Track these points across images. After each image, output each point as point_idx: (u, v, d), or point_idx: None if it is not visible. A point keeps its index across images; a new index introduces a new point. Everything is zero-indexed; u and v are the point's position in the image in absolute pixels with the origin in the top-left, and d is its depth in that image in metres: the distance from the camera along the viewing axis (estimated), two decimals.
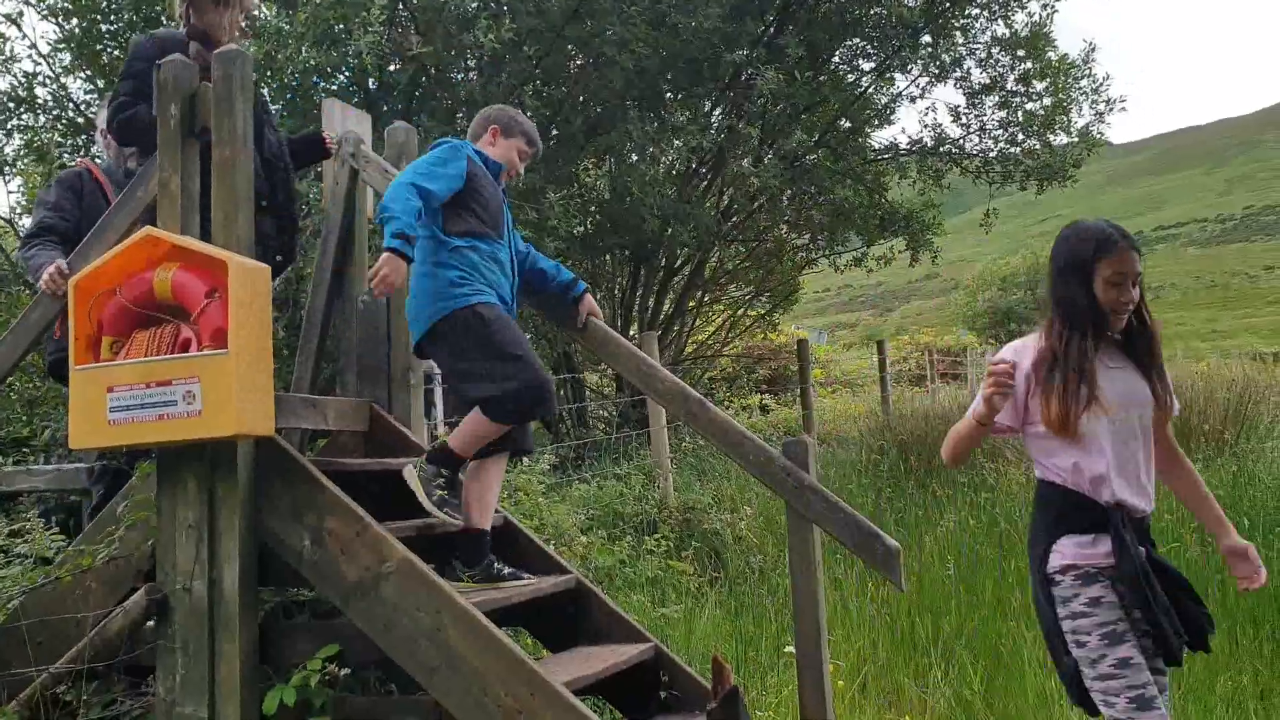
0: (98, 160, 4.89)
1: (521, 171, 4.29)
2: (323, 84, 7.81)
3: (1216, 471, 7.42)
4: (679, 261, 11.84)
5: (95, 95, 9.40)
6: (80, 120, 9.09)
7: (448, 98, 7.97)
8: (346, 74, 7.71)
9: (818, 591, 4.01)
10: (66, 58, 9.23)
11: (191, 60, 3.98)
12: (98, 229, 4.01)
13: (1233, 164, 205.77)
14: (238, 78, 3.70)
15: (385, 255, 3.52)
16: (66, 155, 8.69)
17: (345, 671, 3.51)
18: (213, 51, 3.90)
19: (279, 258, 4.44)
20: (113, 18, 9.03)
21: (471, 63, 8.41)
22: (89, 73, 9.25)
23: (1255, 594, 5.69)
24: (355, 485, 3.83)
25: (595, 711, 3.55)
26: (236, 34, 4.33)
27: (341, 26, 6.97)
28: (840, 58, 11.91)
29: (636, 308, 11.78)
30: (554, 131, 9.72)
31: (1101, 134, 12.05)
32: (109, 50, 9.20)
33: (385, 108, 8.26)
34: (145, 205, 3.94)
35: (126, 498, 3.80)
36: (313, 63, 7.04)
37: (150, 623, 3.58)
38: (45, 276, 4.04)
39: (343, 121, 4.80)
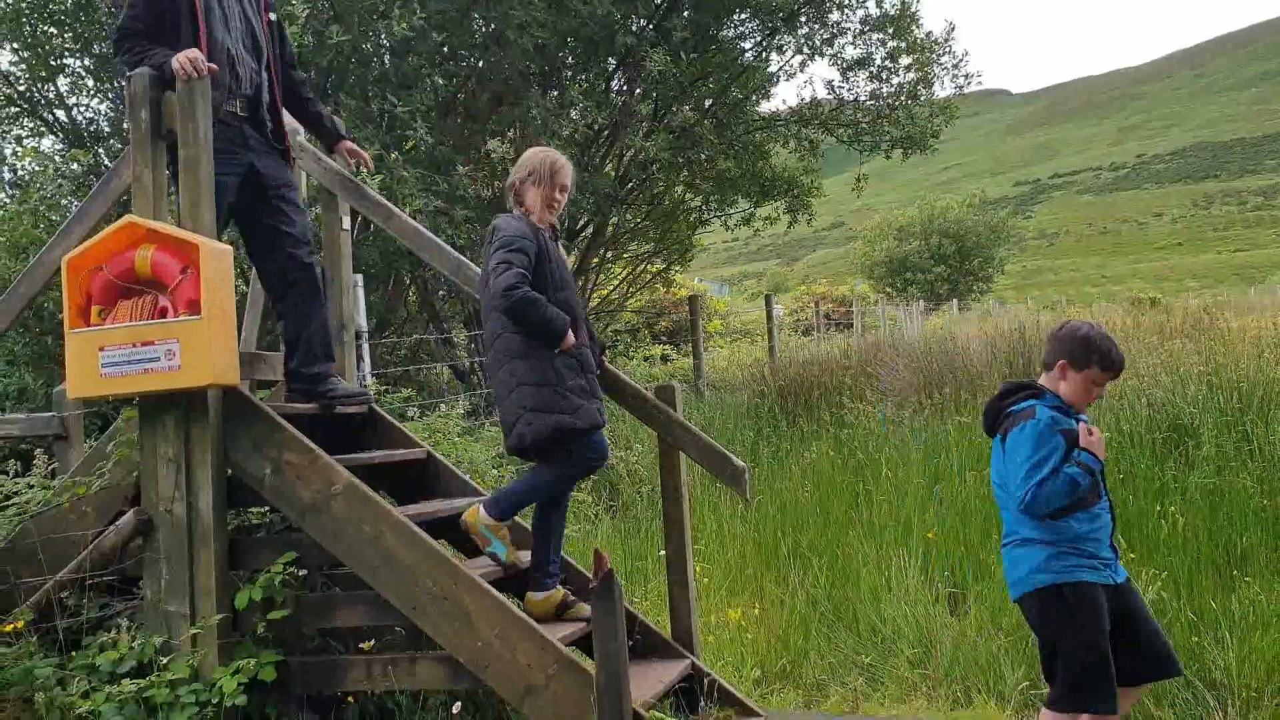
0: None
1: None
2: None
3: None
4: (581, 224, 12.71)
5: (22, 67, 9.84)
6: (9, 93, 9.55)
7: (366, 79, 8.70)
8: None
9: (684, 506, 5.00)
10: None
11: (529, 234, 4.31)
12: (78, 214, 4.75)
13: (1125, 113, 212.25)
14: (198, 88, 4.44)
15: None
16: None
17: (303, 573, 4.36)
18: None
19: None
20: None
21: (384, 43, 9.11)
22: (15, 45, 9.68)
23: None
24: (299, 425, 4.64)
25: None
26: (557, 207, 4.53)
27: None
28: (726, 35, 12.84)
29: None
30: (460, 101, 10.47)
31: (957, 108, 13.25)
32: (33, 23, 9.63)
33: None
34: (118, 195, 4.68)
35: (112, 438, 4.58)
36: None
37: (138, 540, 4.39)
38: (178, 64, 4.29)
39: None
